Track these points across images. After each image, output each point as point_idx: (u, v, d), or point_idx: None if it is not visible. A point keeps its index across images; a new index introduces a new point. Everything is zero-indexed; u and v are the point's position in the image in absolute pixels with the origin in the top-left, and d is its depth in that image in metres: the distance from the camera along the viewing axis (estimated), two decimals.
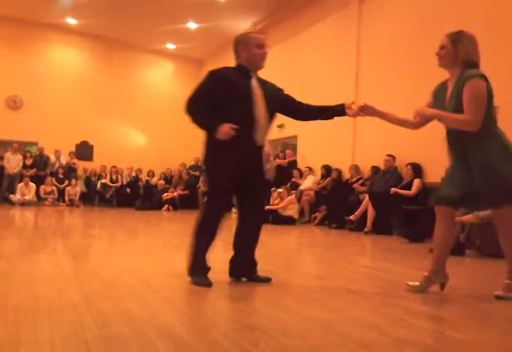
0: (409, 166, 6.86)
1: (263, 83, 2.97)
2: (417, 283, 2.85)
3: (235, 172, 2.84)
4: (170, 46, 14.51)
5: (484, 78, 2.61)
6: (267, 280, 2.97)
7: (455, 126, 2.66)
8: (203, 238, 2.87)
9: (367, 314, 2.28)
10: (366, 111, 2.99)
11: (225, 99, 2.81)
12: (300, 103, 3.10)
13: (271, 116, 2.94)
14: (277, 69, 11.20)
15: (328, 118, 3.10)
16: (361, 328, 2.04)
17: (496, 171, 2.57)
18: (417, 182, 6.67)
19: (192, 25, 12.56)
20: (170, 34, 13.34)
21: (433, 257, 2.87)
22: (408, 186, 6.71)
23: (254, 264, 3.02)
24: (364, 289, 2.94)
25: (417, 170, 6.83)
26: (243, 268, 3.01)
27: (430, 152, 6.90)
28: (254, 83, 2.90)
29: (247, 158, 2.86)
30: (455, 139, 2.74)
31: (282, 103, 3.04)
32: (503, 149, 2.61)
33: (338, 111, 3.03)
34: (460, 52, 2.67)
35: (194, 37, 13.36)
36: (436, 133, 6.98)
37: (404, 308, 2.42)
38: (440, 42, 2.76)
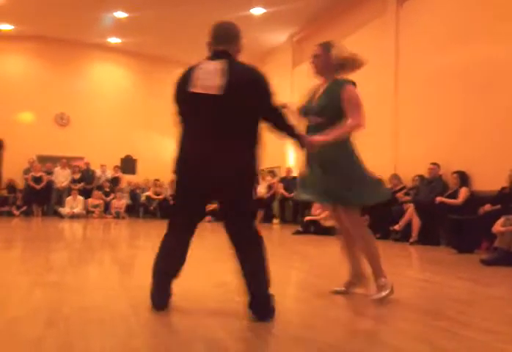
0: (455, 175, 6.64)
1: None
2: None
3: None
4: None
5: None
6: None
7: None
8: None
9: (415, 326, 2.21)
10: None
11: None
12: None
13: None
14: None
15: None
16: (412, 340, 1.98)
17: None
18: (463, 190, 6.45)
19: None
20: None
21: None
22: (455, 195, 6.50)
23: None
24: (411, 301, 2.85)
25: (463, 178, 6.60)
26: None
27: (476, 160, 6.68)
28: None
29: None
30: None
31: None
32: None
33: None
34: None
35: None
36: (482, 140, 6.74)
37: (453, 320, 2.33)
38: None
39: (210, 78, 2.31)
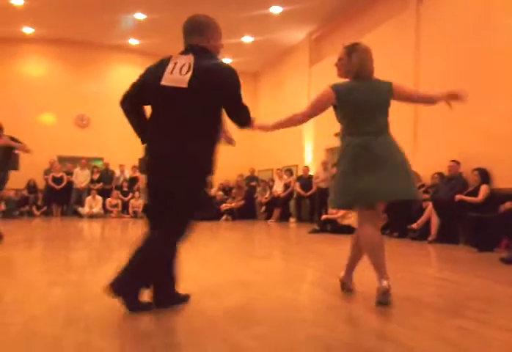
0: (476, 172, 6.54)
1: None
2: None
3: None
4: (227, 60, 14.86)
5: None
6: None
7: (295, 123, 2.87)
8: None
9: (431, 325, 2.19)
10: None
11: None
12: None
13: None
14: (333, 78, 11.14)
15: None
16: (427, 339, 1.96)
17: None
18: (484, 188, 6.34)
19: (248, 38, 12.78)
20: (227, 48, 13.46)
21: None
22: (475, 193, 6.40)
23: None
24: (430, 300, 2.82)
25: (483, 175, 6.49)
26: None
27: (497, 157, 6.56)
28: None
29: None
30: None
31: None
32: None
33: None
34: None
35: (250, 50, 13.57)
36: (503, 136, 6.61)
37: (471, 318, 2.30)
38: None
39: (177, 72, 2.31)
